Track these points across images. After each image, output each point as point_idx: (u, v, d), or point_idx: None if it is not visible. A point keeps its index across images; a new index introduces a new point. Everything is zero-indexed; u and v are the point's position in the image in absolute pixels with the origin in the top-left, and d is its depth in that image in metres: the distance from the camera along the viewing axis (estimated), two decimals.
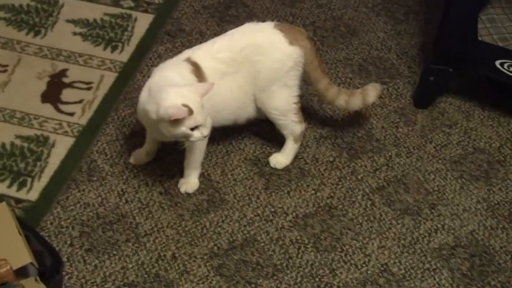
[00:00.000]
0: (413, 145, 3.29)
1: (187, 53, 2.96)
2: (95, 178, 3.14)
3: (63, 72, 3.58)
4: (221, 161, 3.20)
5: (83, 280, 2.81)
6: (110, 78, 3.55)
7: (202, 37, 3.73)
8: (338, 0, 3.94)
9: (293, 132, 3.13)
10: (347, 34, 3.76)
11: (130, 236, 2.95)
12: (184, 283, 2.82)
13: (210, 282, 2.82)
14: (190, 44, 3.68)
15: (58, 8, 3.89)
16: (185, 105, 2.62)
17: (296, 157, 3.21)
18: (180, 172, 3.10)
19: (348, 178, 3.15)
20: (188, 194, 3.08)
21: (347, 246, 2.95)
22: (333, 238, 2.95)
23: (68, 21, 3.83)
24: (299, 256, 2.92)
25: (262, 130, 3.30)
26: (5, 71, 3.56)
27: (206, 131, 2.77)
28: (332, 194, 3.09)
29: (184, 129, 2.72)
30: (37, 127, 3.32)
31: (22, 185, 3.10)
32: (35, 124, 3.34)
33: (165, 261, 2.87)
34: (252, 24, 2.98)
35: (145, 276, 2.84)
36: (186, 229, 2.97)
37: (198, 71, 2.90)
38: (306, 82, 3.14)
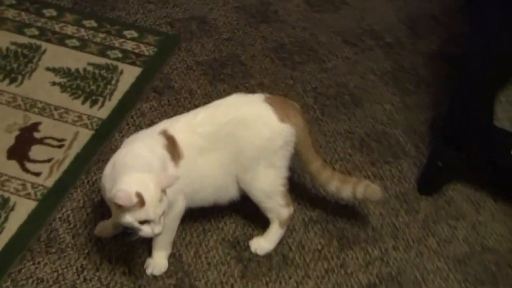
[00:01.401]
0: (413, 238, 2.94)
1: (164, 124, 2.66)
2: (53, 250, 2.80)
3: (35, 126, 3.26)
4: (196, 241, 2.86)
5: None
6: (85, 136, 3.22)
7: (192, 96, 3.41)
8: (344, 66, 3.60)
9: (279, 216, 2.81)
10: (350, 103, 3.43)
11: None
12: None
13: None
14: (177, 104, 3.37)
15: (40, 55, 3.59)
16: (138, 194, 2.33)
17: (280, 242, 2.85)
18: (148, 251, 2.77)
19: (336, 271, 2.79)
20: (154, 277, 2.73)
21: None
22: None
23: (48, 69, 3.52)
24: None
25: (245, 208, 2.93)
26: None
27: (158, 229, 2.42)
28: None
29: (130, 219, 2.42)
30: None
31: None
32: None
33: None
34: (240, 95, 2.70)
35: None
36: None
37: (173, 147, 2.59)
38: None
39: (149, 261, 2.77)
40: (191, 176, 2.62)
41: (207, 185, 2.70)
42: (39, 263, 2.77)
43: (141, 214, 2.42)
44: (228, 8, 3.93)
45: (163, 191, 2.44)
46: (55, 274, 2.75)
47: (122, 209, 2.41)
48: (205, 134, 2.58)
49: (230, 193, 2.75)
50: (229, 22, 3.85)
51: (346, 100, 3.47)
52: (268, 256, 2.85)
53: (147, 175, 2.43)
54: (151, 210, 2.42)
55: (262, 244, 2.85)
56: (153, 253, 2.76)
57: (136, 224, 2.44)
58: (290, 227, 2.93)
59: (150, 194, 2.36)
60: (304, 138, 2.68)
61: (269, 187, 2.74)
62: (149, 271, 2.77)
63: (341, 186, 2.81)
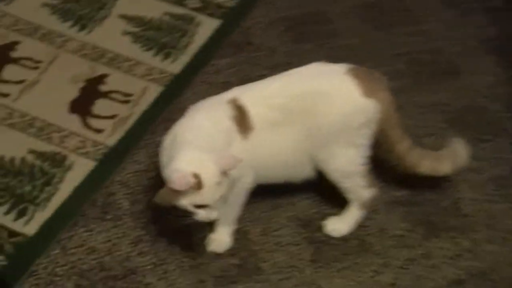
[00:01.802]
0: (511, 229, 2.58)
1: (234, 93, 2.38)
2: (109, 217, 2.56)
3: (101, 78, 3.02)
4: (265, 217, 2.60)
5: None
6: (153, 91, 2.97)
7: (272, 54, 3.11)
8: (442, 29, 3.26)
9: (358, 198, 2.53)
10: (446, 72, 3.07)
11: None
12: None
13: None
14: (256, 61, 3.07)
15: (113, 0, 3.27)
16: (195, 175, 2.11)
17: (358, 225, 2.52)
18: (211, 225, 2.46)
19: (419, 261, 2.48)
20: (216, 255, 2.48)
21: None
22: None
23: (121, 16, 3.26)
24: None
25: (321, 183, 2.60)
26: (36, 68, 3.01)
27: (214, 215, 2.23)
28: (395, 280, 2.45)
29: (185, 203, 2.20)
30: (57, 143, 2.76)
31: (21, 213, 2.56)
32: (54, 138, 2.79)
33: None
34: (320, 64, 2.43)
35: None
36: None
37: (242, 118, 2.32)
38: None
39: (211, 236, 2.51)
40: (261, 152, 2.35)
41: (279, 162, 2.42)
42: (92, 230, 2.54)
43: (197, 198, 2.18)
44: None
45: (224, 173, 2.18)
46: (109, 244, 2.52)
47: (176, 191, 2.17)
48: (279, 106, 2.32)
49: (303, 172, 2.47)
50: None
51: (441, 69, 3.13)
52: (344, 239, 2.56)
53: (206, 154, 2.19)
54: (208, 194, 2.18)
55: (338, 225, 2.57)
56: (216, 228, 2.51)
57: (191, 208, 2.20)
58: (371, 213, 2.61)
59: (208, 177, 2.15)
60: (390, 116, 2.41)
61: (348, 166, 2.46)
62: (210, 247, 2.51)
63: (437, 164, 2.53)
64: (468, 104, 2.99)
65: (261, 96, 2.34)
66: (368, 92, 2.33)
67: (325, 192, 2.64)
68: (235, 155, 2.24)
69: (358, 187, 2.50)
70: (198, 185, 2.16)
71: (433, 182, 2.69)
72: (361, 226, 2.59)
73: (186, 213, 2.24)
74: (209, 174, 2.15)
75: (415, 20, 3.33)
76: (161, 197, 2.47)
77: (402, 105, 2.60)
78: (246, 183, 2.40)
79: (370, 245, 2.55)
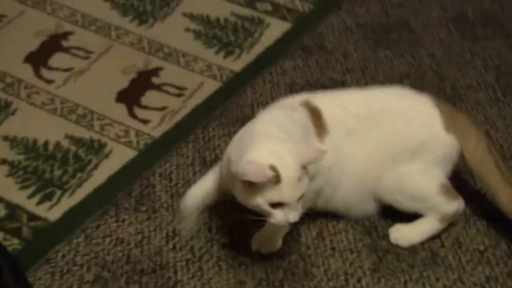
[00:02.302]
0: None
1: (306, 96, 2.15)
2: (144, 208, 2.24)
3: (155, 71, 2.73)
4: (322, 220, 2.27)
5: None
6: (210, 87, 2.68)
7: (346, 59, 2.79)
8: None
9: (440, 213, 2.18)
10: None
11: None
12: None
13: None
14: (327, 65, 2.75)
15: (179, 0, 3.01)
16: (272, 167, 1.83)
17: (431, 237, 2.15)
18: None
19: (501, 281, 2.10)
20: (260, 255, 2.07)
21: None
22: None
23: (185, 14, 2.99)
24: None
25: None
26: (87, 57, 2.76)
27: (293, 216, 1.90)
28: None
29: (260, 201, 1.88)
30: (97, 130, 2.49)
31: (46, 197, 2.27)
32: (95, 126, 2.51)
33: None
34: (404, 88, 2.25)
35: None
36: None
37: (317, 120, 2.08)
38: None
39: (258, 236, 2.15)
40: (337, 157, 2.08)
41: (351, 173, 2.13)
42: (123, 221, 2.23)
43: (274, 194, 1.86)
44: None
45: (304, 168, 1.89)
46: (140, 236, 2.19)
47: (251, 187, 1.86)
48: (357, 114, 2.11)
49: (366, 204, 2.20)
50: None
51: None
52: (412, 249, 2.18)
53: (285, 145, 1.90)
54: (287, 190, 1.86)
55: (407, 234, 2.21)
56: (264, 229, 2.12)
57: (267, 207, 1.88)
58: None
59: (288, 169, 1.85)
60: (482, 157, 2.15)
61: (421, 189, 2.16)
62: (255, 247, 2.16)
63: None
64: None
65: (338, 101, 2.13)
66: (450, 127, 2.13)
67: None
68: (318, 147, 1.96)
69: (437, 205, 2.17)
70: (276, 178, 1.84)
71: None
72: (433, 238, 2.18)
73: (260, 215, 1.94)
74: (289, 167, 1.86)
75: (509, 34, 2.94)
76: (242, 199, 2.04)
77: (490, 118, 2.42)
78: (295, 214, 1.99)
79: (442, 258, 2.17)
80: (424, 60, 2.84)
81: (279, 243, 2.14)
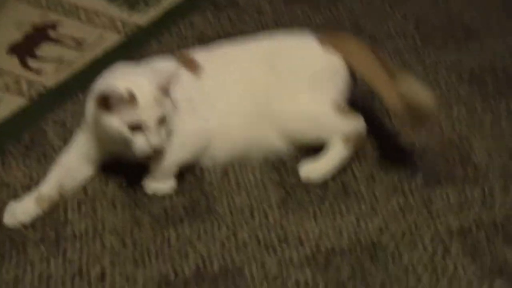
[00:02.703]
0: None
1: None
2: (33, 154, 2.05)
3: (52, 25, 2.58)
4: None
5: None
6: (111, 40, 2.54)
7: (260, 16, 2.64)
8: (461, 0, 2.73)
9: (341, 134, 2.07)
10: (462, 36, 2.61)
11: (47, 235, 1.80)
12: None
13: None
14: (239, 21, 2.68)
15: None
16: (127, 90, 1.82)
17: (341, 169, 1.99)
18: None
19: (415, 209, 1.95)
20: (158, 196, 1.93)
21: None
22: None
23: None
24: None
25: None
26: None
27: (155, 139, 1.85)
28: (383, 228, 1.88)
29: (117, 123, 1.85)
30: None
31: None
32: None
33: (85, 279, 1.71)
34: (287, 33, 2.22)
35: None
36: (138, 240, 1.82)
37: (189, 63, 2.07)
38: None
39: (148, 178, 2.01)
40: (214, 95, 2.03)
41: (234, 114, 2.05)
42: (10, 166, 2.03)
43: (132, 114, 1.83)
44: None
45: (163, 90, 1.88)
46: (27, 179, 2.04)
47: (108, 109, 1.84)
48: (233, 56, 2.11)
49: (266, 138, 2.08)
50: None
51: (456, 32, 2.65)
52: (323, 184, 2.00)
53: (139, 70, 1.93)
54: (143, 109, 1.84)
55: (317, 167, 2.06)
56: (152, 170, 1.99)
57: (127, 133, 1.82)
58: (359, 154, 2.07)
59: (142, 89, 1.85)
60: (365, 65, 2.09)
61: (314, 110, 2.08)
62: (149, 190, 2.01)
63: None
64: (486, 64, 2.49)
65: (213, 51, 2.13)
66: (329, 48, 2.11)
67: None
68: (174, 70, 1.91)
69: (334, 127, 2.07)
70: (131, 98, 1.82)
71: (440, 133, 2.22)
72: (344, 170, 2.04)
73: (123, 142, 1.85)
74: (143, 86, 1.85)
75: None
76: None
77: (409, 64, 2.41)
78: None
79: (355, 191, 2.02)
80: (342, 14, 2.72)
81: (171, 182, 1.96)
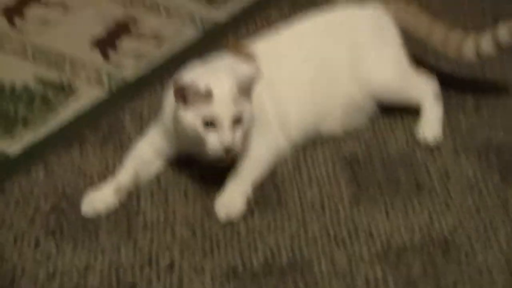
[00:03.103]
0: None
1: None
2: (110, 143, 2.08)
3: (133, 20, 2.60)
4: (300, 152, 2.09)
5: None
6: (189, 35, 2.54)
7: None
8: None
9: (426, 93, 2.21)
10: None
11: (119, 225, 1.90)
12: None
13: None
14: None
15: None
16: (206, 85, 1.85)
17: (415, 166, 2.02)
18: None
19: (491, 208, 1.92)
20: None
21: None
22: None
23: None
24: None
25: (376, 123, 2.22)
26: (64, 8, 2.61)
27: (228, 137, 1.84)
28: (457, 226, 1.86)
29: (191, 117, 1.86)
30: (67, 71, 2.33)
31: (7, 133, 2.07)
32: (66, 68, 2.34)
33: (154, 269, 1.73)
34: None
35: (112, 285, 1.77)
36: (208, 230, 1.83)
37: (245, 55, 2.06)
38: None
39: (219, 200, 1.97)
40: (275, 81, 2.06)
41: (306, 95, 2.09)
42: (87, 154, 2.08)
43: (206, 109, 1.84)
44: None
45: (242, 92, 1.87)
46: (104, 167, 2.07)
47: (185, 103, 1.86)
48: (293, 37, 2.16)
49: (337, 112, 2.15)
50: None
51: None
52: (396, 180, 1.97)
53: (221, 70, 1.93)
54: (219, 105, 1.84)
55: (429, 128, 2.17)
56: (226, 192, 1.98)
57: (200, 128, 1.82)
58: (434, 152, 2.04)
59: (221, 86, 1.85)
60: (406, 15, 2.24)
61: (393, 66, 2.19)
62: (221, 215, 1.95)
63: (479, 39, 2.19)
64: None
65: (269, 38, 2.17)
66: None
67: (378, 130, 2.19)
68: (255, 68, 1.92)
69: (417, 86, 2.20)
70: (207, 93, 1.83)
71: None
72: (419, 167, 2.03)
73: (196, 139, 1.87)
74: (222, 83, 1.86)
75: None
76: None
77: None
78: (270, 140, 2.03)
79: (429, 189, 2.00)
80: None
81: (242, 204, 1.96)
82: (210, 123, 1.85)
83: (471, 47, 2.19)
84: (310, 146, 2.12)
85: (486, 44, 2.17)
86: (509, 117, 2.21)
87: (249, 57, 2.03)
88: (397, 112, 2.21)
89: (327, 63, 2.11)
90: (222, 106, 1.84)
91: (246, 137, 1.91)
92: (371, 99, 2.16)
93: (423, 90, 2.19)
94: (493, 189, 1.99)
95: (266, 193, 1.97)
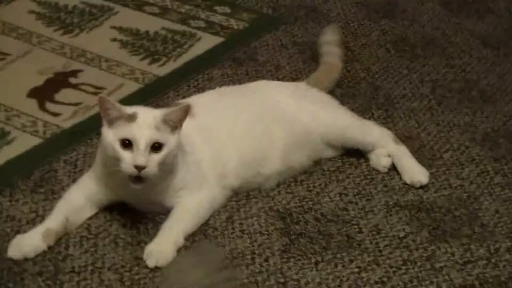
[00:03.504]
0: None
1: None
2: (42, 190, 2.09)
3: (74, 73, 2.64)
4: (233, 205, 2.11)
5: None
6: (130, 88, 2.56)
7: (277, 71, 2.66)
8: (479, 65, 2.77)
9: (385, 138, 2.32)
10: (478, 99, 2.61)
11: (46, 269, 1.87)
12: None
13: None
14: (257, 75, 2.64)
15: (109, 15, 2.93)
16: (133, 111, 1.92)
17: (347, 222, 2.04)
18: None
19: (419, 264, 1.92)
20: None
21: None
22: None
23: (113, 27, 2.90)
24: None
25: (311, 179, 2.24)
26: (3, 59, 2.61)
27: (140, 159, 1.87)
28: (384, 279, 1.86)
29: (111, 135, 1.91)
30: (2, 120, 2.30)
31: None
32: (1, 116, 2.34)
33: None
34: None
35: None
36: (136, 277, 1.83)
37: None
38: None
39: (150, 248, 1.96)
40: (211, 132, 2.12)
41: (245, 142, 2.15)
42: (17, 200, 2.07)
43: (126, 129, 1.88)
44: (348, 2, 3.18)
45: (169, 123, 1.93)
46: (33, 214, 2.04)
47: (109, 122, 1.92)
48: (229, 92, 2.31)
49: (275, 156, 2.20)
50: (344, 14, 3.12)
51: (472, 96, 2.65)
52: (327, 234, 1.99)
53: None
54: (139, 128, 1.89)
55: (412, 169, 2.25)
56: (158, 237, 1.97)
57: (117, 146, 1.86)
58: (366, 208, 2.06)
59: (146, 114, 1.92)
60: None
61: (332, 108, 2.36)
62: (149, 262, 1.94)
63: None
64: (499, 128, 2.49)
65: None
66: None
67: (314, 186, 2.20)
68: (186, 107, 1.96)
69: (371, 128, 2.32)
70: (131, 116, 1.90)
71: (450, 191, 2.24)
72: (351, 223, 2.04)
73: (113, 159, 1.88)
74: (147, 113, 1.93)
75: (448, 55, 2.90)
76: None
77: (423, 124, 2.47)
78: (205, 191, 2.05)
79: (359, 242, 2.01)
80: (359, 73, 2.73)
81: (172, 252, 1.95)
82: (128, 143, 1.86)
83: None
84: (244, 200, 2.10)
85: None
86: (440, 177, 2.23)
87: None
88: (331, 169, 2.22)
89: (258, 114, 2.18)
90: (142, 129, 1.87)
91: (169, 169, 1.94)
92: (320, 139, 2.23)
93: (380, 135, 2.28)
94: (421, 246, 1.99)
95: (197, 244, 1.95)
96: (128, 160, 1.85)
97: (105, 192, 2.00)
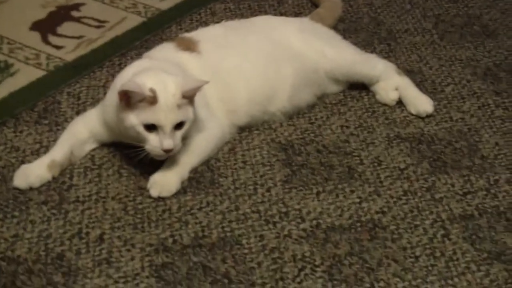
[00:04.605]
0: None
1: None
2: (46, 122, 2.09)
3: (76, 6, 2.59)
4: (236, 138, 2.15)
5: None
6: (133, 22, 2.55)
7: (280, 6, 2.66)
8: (482, 0, 2.75)
9: (388, 70, 2.31)
10: (480, 34, 2.59)
11: (51, 198, 1.82)
12: (95, 276, 1.72)
13: (136, 284, 1.70)
14: (259, 9, 2.63)
15: None
16: (152, 90, 1.82)
17: (348, 154, 2.06)
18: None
19: (419, 194, 1.93)
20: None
21: (382, 284, 1.73)
22: (363, 268, 1.78)
23: None
24: (298, 280, 1.74)
25: (313, 112, 2.25)
26: None
27: (167, 143, 1.84)
28: (385, 209, 1.88)
29: (133, 120, 1.84)
30: (5, 52, 2.29)
31: None
32: (4, 49, 2.32)
33: (83, 241, 1.72)
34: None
35: (40, 255, 1.77)
36: (139, 207, 1.83)
37: (189, 43, 2.11)
38: None
39: (155, 178, 1.97)
40: (222, 65, 2.08)
41: (254, 78, 2.13)
42: (21, 132, 2.08)
43: (149, 113, 1.81)
44: None
45: (187, 98, 1.86)
46: (37, 145, 2.04)
47: (128, 105, 1.84)
48: (234, 25, 2.28)
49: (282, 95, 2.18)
50: None
51: (474, 30, 2.64)
52: (328, 165, 2.01)
53: (168, 75, 1.89)
54: (163, 112, 1.82)
55: (416, 100, 2.27)
56: (164, 169, 1.97)
57: (142, 130, 1.82)
58: (367, 141, 2.08)
59: (167, 94, 1.83)
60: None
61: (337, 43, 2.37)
62: (153, 192, 1.95)
63: None
64: (501, 62, 2.49)
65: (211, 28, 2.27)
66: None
67: (316, 118, 2.21)
68: (200, 78, 1.92)
69: (375, 61, 2.32)
70: (152, 99, 1.81)
71: (451, 124, 2.24)
72: (352, 155, 2.06)
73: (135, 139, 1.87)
74: (168, 91, 1.83)
75: None
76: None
77: (425, 58, 2.45)
78: (212, 129, 2.02)
79: (360, 173, 2.02)
80: (362, 8, 2.73)
81: (177, 184, 1.96)
82: (152, 126, 1.84)
83: None
84: (247, 132, 2.12)
85: None
86: (441, 110, 2.24)
87: (194, 47, 2.06)
88: (333, 102, 2.24)
89: (268, 51, 2.16)
90: (166, 113, 1.83)
91: (185, 137, 1.92)
92: (325, 75, 2.24)
93: (384, 67, 2.28)
94: (421, 178, 2.01)
95: (200, 173, 1.98)
96: (155, 143, 1.84)
97: (109, 134, 2.01)
